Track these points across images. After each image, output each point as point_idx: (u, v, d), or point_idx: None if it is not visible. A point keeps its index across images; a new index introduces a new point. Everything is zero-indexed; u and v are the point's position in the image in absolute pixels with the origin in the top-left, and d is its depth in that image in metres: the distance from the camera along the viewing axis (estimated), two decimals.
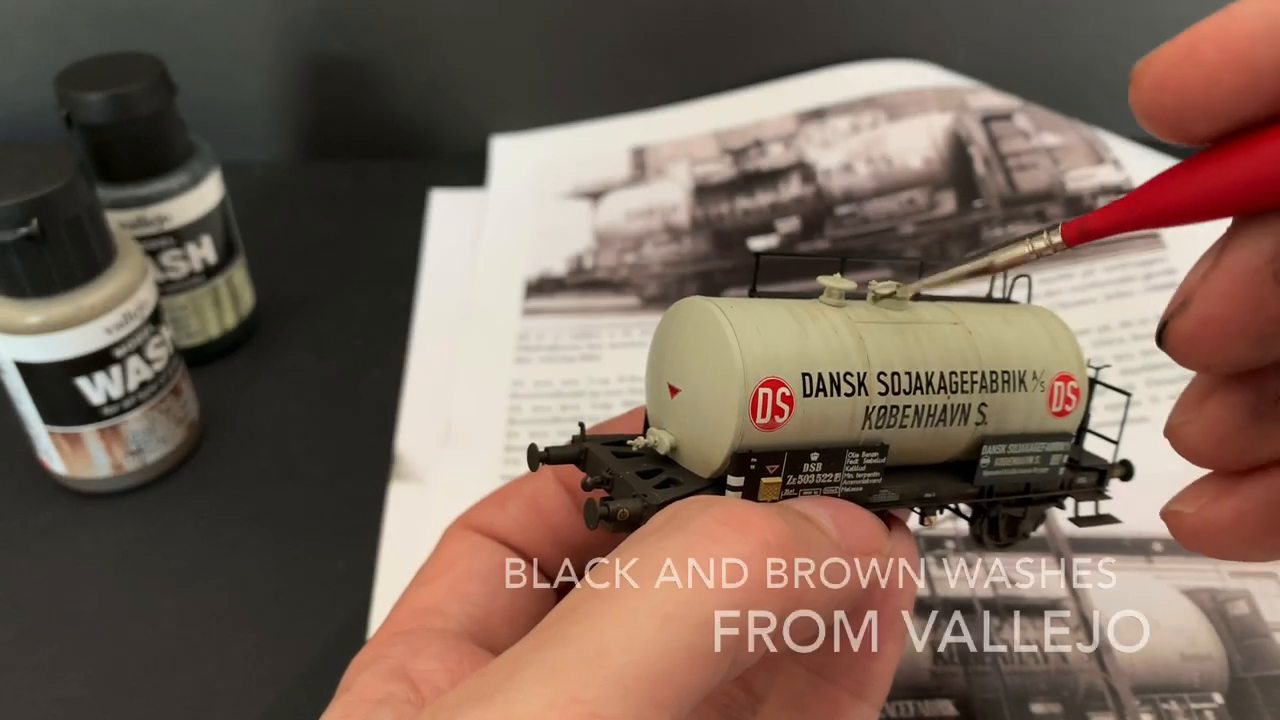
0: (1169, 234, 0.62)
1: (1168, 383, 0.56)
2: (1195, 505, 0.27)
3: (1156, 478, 0.51)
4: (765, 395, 0.29)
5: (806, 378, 0.30)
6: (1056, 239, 0.26)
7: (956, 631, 0.47)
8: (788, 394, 0.29)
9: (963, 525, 0.51)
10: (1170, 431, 0.27)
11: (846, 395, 0.30)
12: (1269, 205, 0.21)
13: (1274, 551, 0.26)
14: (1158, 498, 0.51)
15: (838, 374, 0.30)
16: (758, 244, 0.69)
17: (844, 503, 0.30)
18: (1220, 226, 0.23)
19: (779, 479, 0.29)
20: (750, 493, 0.29)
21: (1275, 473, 0.26)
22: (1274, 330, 0.22)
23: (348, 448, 0.57)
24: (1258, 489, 0.26)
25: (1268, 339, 0.23)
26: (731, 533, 0.26)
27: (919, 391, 0.31)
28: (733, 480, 0.29)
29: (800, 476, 0.30)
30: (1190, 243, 0.62)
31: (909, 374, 0.31)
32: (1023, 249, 0.27)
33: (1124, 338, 0.58)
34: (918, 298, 0.32)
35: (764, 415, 0.29)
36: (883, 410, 0.31)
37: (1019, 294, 0.37)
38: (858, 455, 0.31)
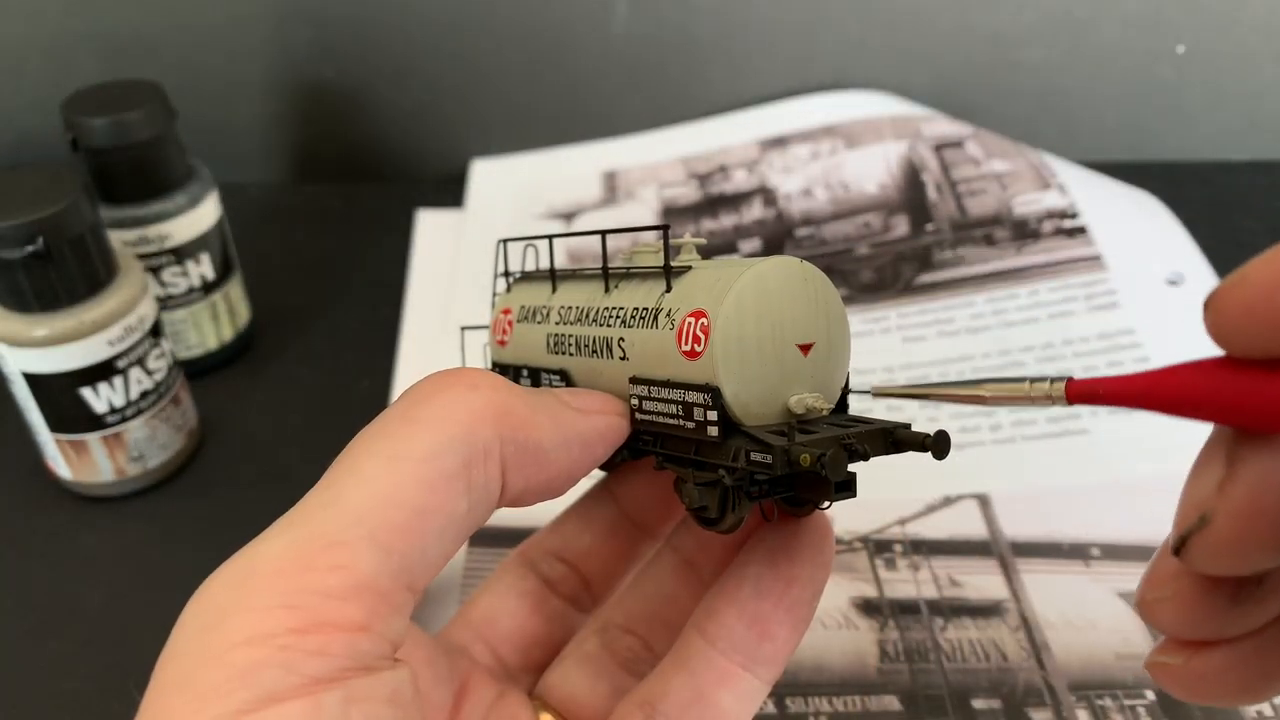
0: (1110, 255, 0.63)
1: None
2: (1182, 657, 0.25)
3: (1093, 488, 0.53)
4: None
5: (521, 309, 0.38)
6: (1058, 393, 0.24)
7: (902, 630, 0.47)
8: (511, 320, 0.38)
9: (911, 530, 0.51)
10: (1143, 607, 0.25)
11: (538, 323, 0.37)
12: None
13: (1268, 694, 0.25)
14: (1095, 507, 0.52)
15: (531, 307, 0.37)
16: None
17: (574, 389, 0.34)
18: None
19: None
20: None
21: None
22: None
23: (338, 454, 0.57)
24: (1246, 642, 0.24)
25: None
26: (447, 381, 0.29)
27: (580, 323, 0.35)
28: None
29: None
30: (1129, 264, 0.63)
31: (575, 308, 0.35)
32: (1018, 391, 0.25)
33: (1066, 354, 0.59)
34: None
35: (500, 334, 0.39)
36: (558, 338, 0.35)
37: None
38: (549, 377, 0.36)
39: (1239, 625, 0.24)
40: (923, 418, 0.57)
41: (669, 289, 0.32)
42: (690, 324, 0.30)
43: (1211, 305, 0.20)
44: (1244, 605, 0.23)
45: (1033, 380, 0.25)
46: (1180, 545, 0.22)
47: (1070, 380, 0.23)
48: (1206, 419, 0.21)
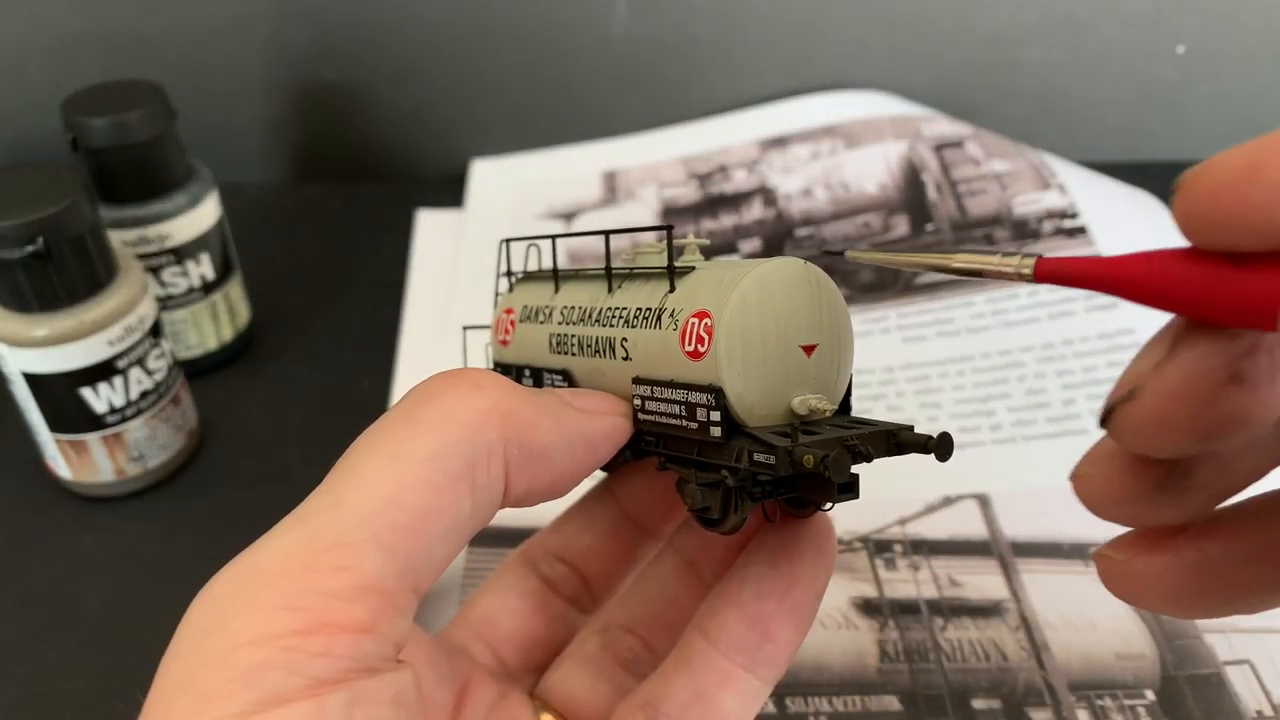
0: (1110, 255, 0.63)
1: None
2: (1124, 554, 0.26)
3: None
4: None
5: (524, 308, 0.38)
6: (1027, 269, 0.24)
7: (902, 630, 0.47)
8: (514, 320, 0.38)
9: (911, 530, 0.51)
10: (1074, 478, 0.25)
11: (540, 323, 0.37)
12: (1269, 329, 0.20)
13: (1193, 612, 0.26)
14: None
15: (534, 307, 0.38)
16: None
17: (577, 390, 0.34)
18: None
19: None
20: None
21: (1208, 538, 0.25)
22: (1219, 428, 0.21)
23: (339, 455, 0.57)
24: (1188, 551, 0.25)
25: (1211, 435, 0.21)
26: (451, 381, 0.29)
27: (582, 323, 0.35)
28: None
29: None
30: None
31: (579, 308, 0.35)
32: (988, 263, 0.25)
33: (1066, 354, 0.59)
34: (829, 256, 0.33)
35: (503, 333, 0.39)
36: (561, 338, 0.36)
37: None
38: (552, 377, 0.36)
39: (1159, 515, 0.24)
40: (923, 418, 0.57)
41: (672, 289, 0.32)
42: (694, 324, 0.30)
43: (1180, 191, 0.20)
44: (1167, 493, 0.24)
45: (1004, 254, 0.25)
46: (1107, 415, 0.23)
47: (1040, 258, 0.24)
48: (1162, 306, 0.21)
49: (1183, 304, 0.21)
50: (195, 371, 0.62)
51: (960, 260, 0.26)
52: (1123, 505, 0.24)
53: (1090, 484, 0.25)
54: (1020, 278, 0.24)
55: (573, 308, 0.35)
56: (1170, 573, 0.25)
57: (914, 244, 0.68)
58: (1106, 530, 0.26)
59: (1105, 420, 0.23)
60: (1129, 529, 0.26)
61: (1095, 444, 0.25)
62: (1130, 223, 0.67)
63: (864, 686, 0.45)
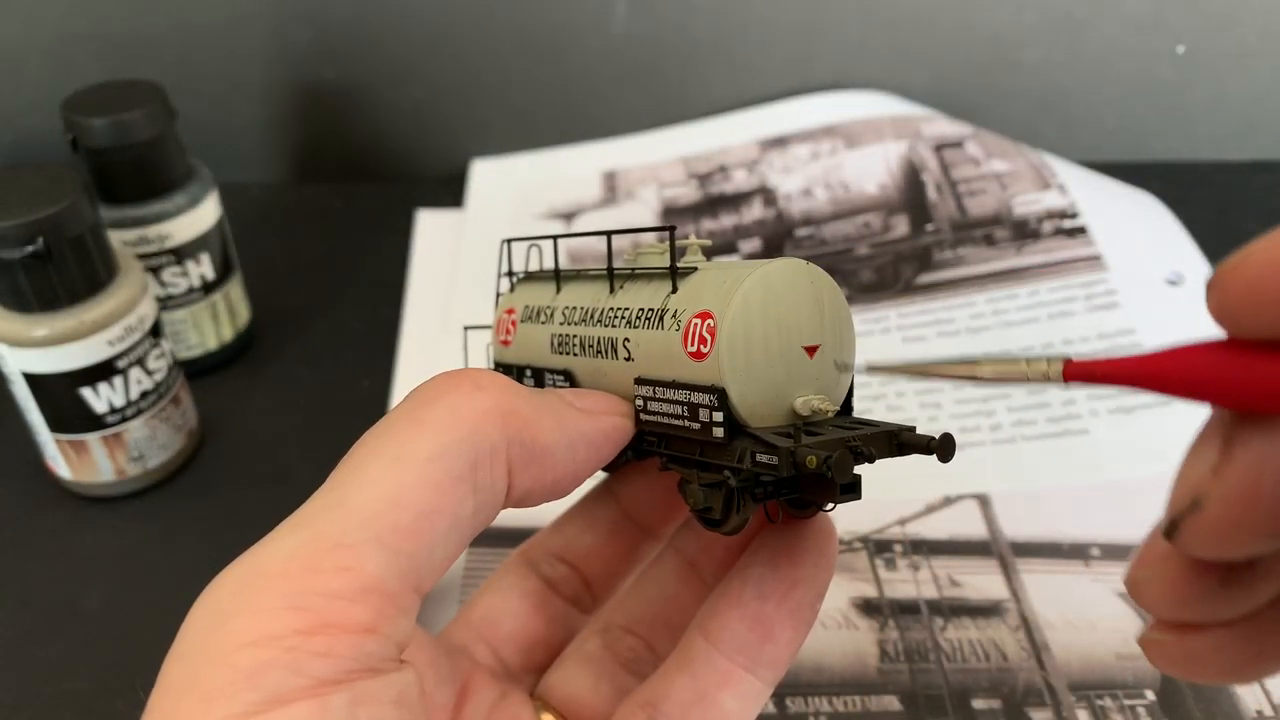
0: (1110, 255, 0.63)
1: (1108, 397, 0.56)
2: (1176, 635, 0.24)
3: (1093, 488, 0.53)
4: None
5: (526, 309, 0.38)
6: (1055, 373, 0.23)
7: (902, 630, 0.47)
8: (515, 320, 0.39)
9: (911, 530, 0.51)
10: (1132, 586, 0.24)
11: (542, 323, 0.37)
12: None
13: (1255, 677, 0.24)
14: (1095, 507, 0.52)
15: (536, 307, 0.38)
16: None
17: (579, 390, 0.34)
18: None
19: None
20: None
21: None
22: None
23: (339, 455, 0.57)
24: (1240, 622, 0.23)
25: None
26: (453, 381, 0.29)
27: (584, 324, 0.35)
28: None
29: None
30: (1129, 264, 0.62)
31: (580, 309, 0.35)
32: (1015, 369, 0.24)
33: (1066, 354, 0.59)
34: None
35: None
36: (563, 338, 0.36)
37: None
38: (553, 377, 0.36)
39: (1226, 610, 0.23)
40: (923, 418, 0.57)
41: (675, 290, 0.32)
42: (696, 325, 0.30)
43: (1215, 285, 0.20)
44: (1233, 590, 0.23)
45: (1030, 360, 0.23)
46: (1172, 528, 0.22)
47: (1068, 361, 0.23)
48: (1204, 400, 0.21)
49: (1228, 397, 0.20)
50: (195, 371, 0.62)
51: (987, 370, 0.25)
52: (1187, 607, 0.23)
53: (1151, 589, 0.24)
54: (1048, 380, 0.23)
55: (574, 308, 0.35)
56: (1226, 647, 0.24)
57: (914, 244, 0.68)
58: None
59: (1170, 533, 0.22)
60: None
61: (1145, 544, 0.24)
62: (1130, 223, 0.67)
63: (864, 686, 0.45)
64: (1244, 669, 0.24)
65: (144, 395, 0.53)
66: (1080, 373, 0.22)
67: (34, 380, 0.50)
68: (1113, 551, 0.50)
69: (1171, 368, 0.21)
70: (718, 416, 0.29)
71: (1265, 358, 0.19)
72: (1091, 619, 0.47)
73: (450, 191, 0.79)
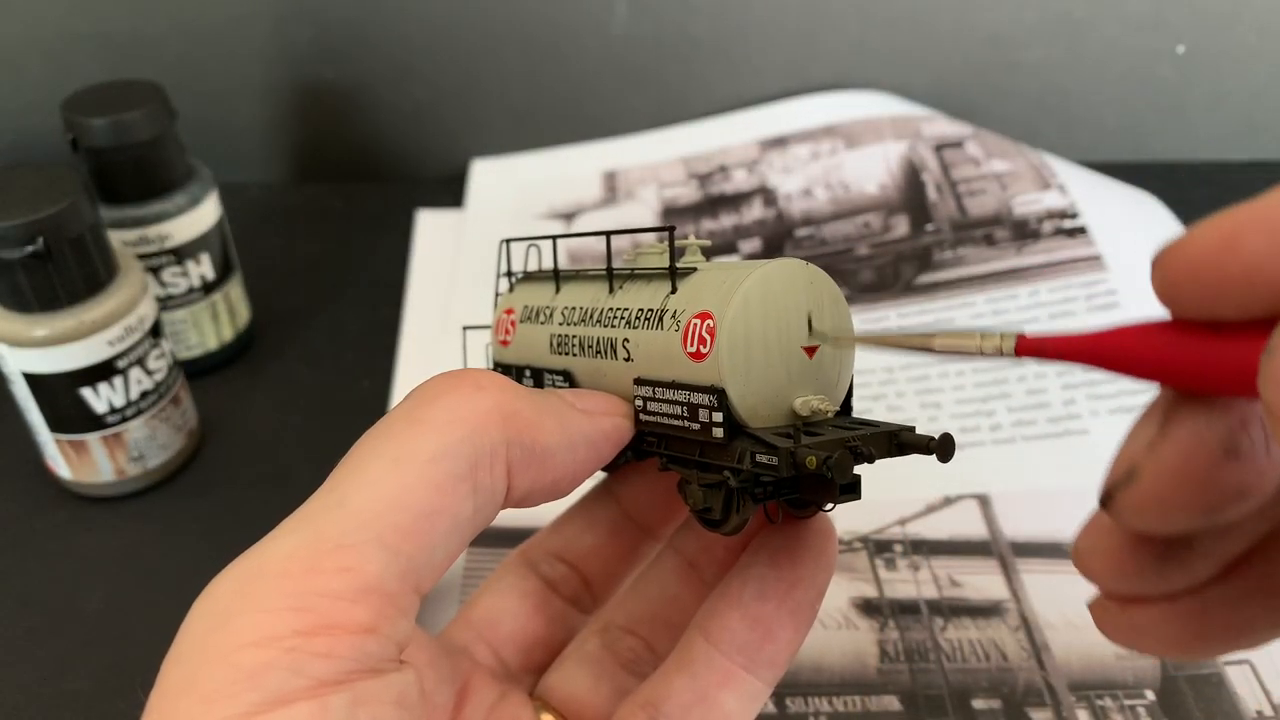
0: (1110, 255, 0.63)
1: (1108, 397, 0.56)
2: (1122, 604, 0.25)
3: (1093, 488, 0.53)
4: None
5: (525, 309, 0.38)
6: (1008, 347, 0.23)
7: (902, 630, 0.47)
8: (514, 320, 0.38)
9: (911, 530, 0.51)
10: (1075, 555, 0.25)
11: (541, 323, 0.37)
12: (1253, 396, 0.19)
13: (1196, 654, 0.25)
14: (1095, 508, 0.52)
15: (535, 307, 0.38)
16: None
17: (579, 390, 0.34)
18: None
19: None
20: None
21: (1203, 584, 0.24)
22: (1220, 504, 0.21)
23: (339, 454, 0.57)
24: (1186, 597, 0.24)
25: (1212, 511, 0.21)
26: (453, 382, 0.29)
27: (584, 324, 0.35)
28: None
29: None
30: (1129, 264, 0.62)
31: (580, 309, 0.35)
32: (968, 343, 0.24)
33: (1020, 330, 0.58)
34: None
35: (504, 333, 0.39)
36: (562, 339, 0.36)
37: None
38: (553, 378, 0.36)
39: (1163, 585, 0.24)
40: (923, 418, 0.57)
41: (674, 290, 0.32)
42: (696, 325, 0.30)
43: (1157, 265, 0.20)
44: (1169, 565, 0.23)
45: (984, 334, 0.24)
46: (1107, 498, 0.22)
47: (1021, 336, 0.23)
48: (1147, 378, 0.21)
49: (1168, 375, 0.21)
50: (195, 371, 0.62)
51: (940, 343, 0.25)
52: (1127, 578, 0.24)
53: (1092, 560, 0.24)
54: (1000, 355, 0.24)
55: (574, 308, 0.35)
56: (1170, 620, 0.24)
57: (914, 244, 0.68)
58: None
59: (1105, 503, 0.22)
60: None
61: (1091, 517, 0.25)
62: (1130, 223, 0.67)
63: (864, 686, 0.45)
64: (1187, 645, 0.24)
65: (144, 395, 0.53)
66: (1032, 348, 0.23)
67: (34, 380, 0.50)
68: None
69: (1117, 345, 0.21)
70: (717, 417, 0.29)
71: (1201, 338, 0.20)
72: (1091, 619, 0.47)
73: (450, 191, 0.79)
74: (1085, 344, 0.22)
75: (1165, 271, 0.20)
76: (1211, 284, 0.19)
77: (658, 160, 0.78)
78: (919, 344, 0.26)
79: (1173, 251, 0.20)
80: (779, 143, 0.77)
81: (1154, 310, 0.21)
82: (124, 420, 0.52)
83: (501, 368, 0.39)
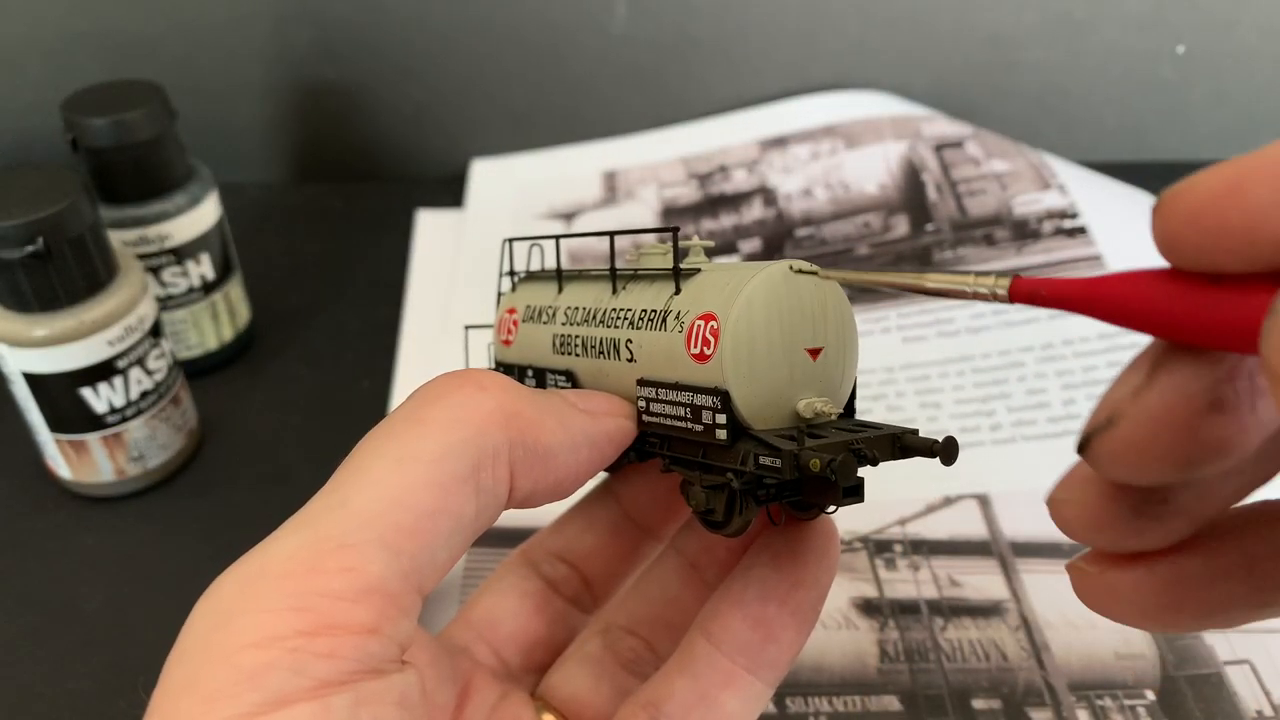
0: (1110, 255, 0.63)
1: None
2: (1098, 567, 0.25)
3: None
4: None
5: (527, 308, 0.38)
6: (1002, 290, 0.23)
7: (902, 630, 0.47)
8: (517, 320, 0.38)
9: (911, 530, 0.51)
10: (1050, 503, 0.24)
11: (544, 323, 0.37)
12: (1249, 352, 0.19)
13: (1168, 627, 0.25)
14: None
15: (537, 307, 0.37)
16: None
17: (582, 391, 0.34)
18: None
19: None
20: None
21: (1184, 553, 0.24)
22: (1199, 457, 0.20)
23: (339, 454, 0.57)
24: (1164, 566, 0.24)
25: (1191, 464, 0.21)
26: (455, 382, 0.29)
27: (587, 324, 0.35)
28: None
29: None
30: (1129, 264, 0.62)
31: (583, 309, 0.35)
32: (962, 283, 0.24)
33: (1066, 354, 0.59)
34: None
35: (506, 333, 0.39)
36: (565, 339, 0.36)
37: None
38: (555, 378, 0.36)
39: (1137, 540, 0.23)
40: (923, 418, 0.57)
41: (678, 291, 0.32)
42: (700, 327, 0.30)
43: (1158, 211, 0.20)
44: (1145, 520, 0.23)
45: (977, 274, 0.24)
46: (1085, 443, 0.22)
47: (1016, 277, 0.23)
48: (1140, 328, 0.21)
49: (1161, 326, 0.20)
50: (195, 371, 0.62)
51: (933, 281, 0.25)
52: (1100, 531, 0.24)
53: (1067, 509, 0.24)
54: (995, 298, 0.23)
55: (577, 308, 0.35)
56: (1145, 588, 0.24)
57: (914, 244, 0.68)
58: None
59: (1083, 448, 0.22)
60: None
61: (1071, 468, 0.24)
62: (1130, 223, 0.67)
63: (864, 686, 0.45)
64: (1161, 616, 0.24)
65: (144, 395, 0.53)
66: (1027, 290, 0.23)
67: (34, 380, 0.50)
68: None
69: (1113, 292, 0.21)
70: (721, 419, 0.29)
71: (1199, 289, 0.20)
72: (1092, 619, 0.47)
73: (450, 191, 0.79)
74: (1081, 289, 0.21)
75: (1165, 218, 0.20)
76: (1211, 233, 0.19)
77: (658, 160, 0.78)
78: (911, 283, 0.26)
79: (1174, 198, 0.19)
80: (779, 143, 0.76)
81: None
82: (124, 420, 0.52)
83: (504, 367, 0.39)
